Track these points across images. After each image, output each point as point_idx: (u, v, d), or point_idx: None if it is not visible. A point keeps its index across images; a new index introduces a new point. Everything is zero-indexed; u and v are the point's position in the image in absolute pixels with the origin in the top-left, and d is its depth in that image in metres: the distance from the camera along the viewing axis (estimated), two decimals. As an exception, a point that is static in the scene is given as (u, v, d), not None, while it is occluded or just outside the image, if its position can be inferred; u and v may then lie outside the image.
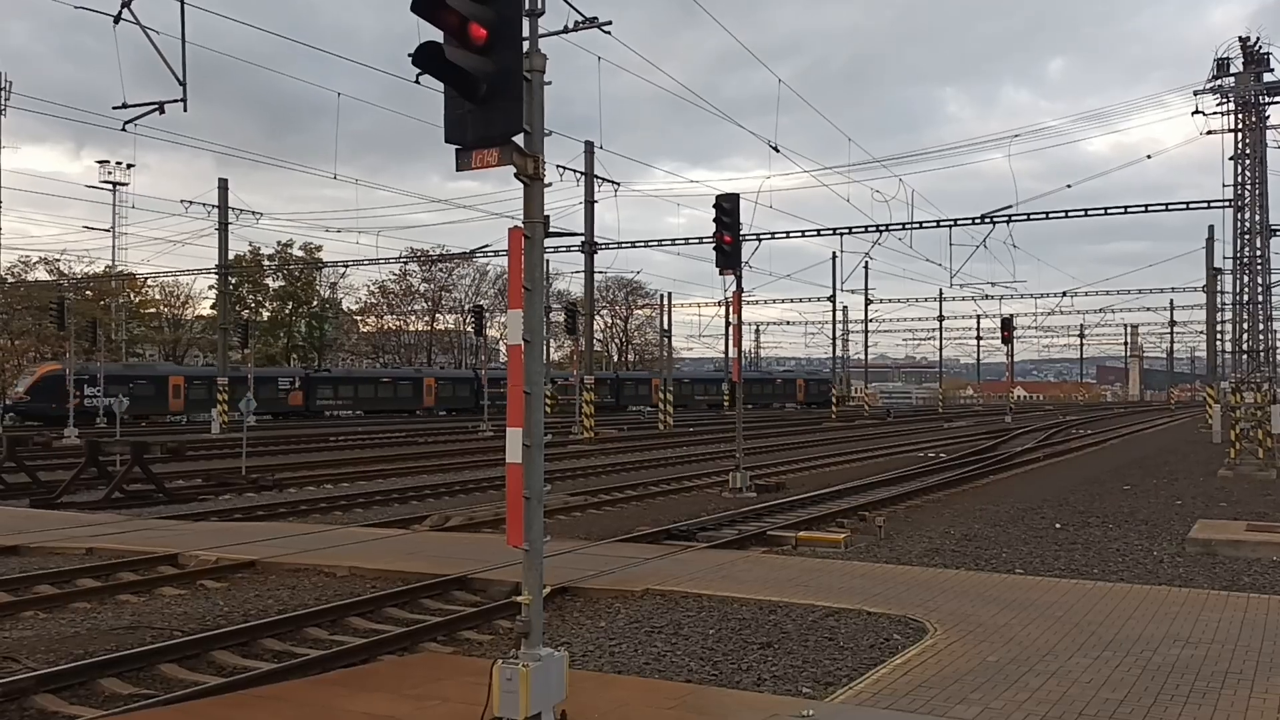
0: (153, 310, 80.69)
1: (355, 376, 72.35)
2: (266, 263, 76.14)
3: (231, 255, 57.01)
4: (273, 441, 38.48)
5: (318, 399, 66.17)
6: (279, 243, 75.86)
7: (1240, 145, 28.42)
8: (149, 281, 76.67)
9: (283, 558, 13.15)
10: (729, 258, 21.87)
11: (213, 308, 67.99)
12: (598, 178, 43.56)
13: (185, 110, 20.19)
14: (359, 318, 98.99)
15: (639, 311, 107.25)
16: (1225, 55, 28.23)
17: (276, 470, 26.75)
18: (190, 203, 48.17)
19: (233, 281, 66.01)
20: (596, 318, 73.83)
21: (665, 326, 60.50)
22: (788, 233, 44.83)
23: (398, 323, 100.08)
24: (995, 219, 38.24)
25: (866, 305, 77.02)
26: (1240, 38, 28.23)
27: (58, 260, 71.38)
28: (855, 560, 13.50)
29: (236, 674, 8.47)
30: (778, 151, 30.78)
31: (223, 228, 50.66)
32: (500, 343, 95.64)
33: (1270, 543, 14.19)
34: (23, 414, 54.66)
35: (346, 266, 68.44)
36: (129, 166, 71.04)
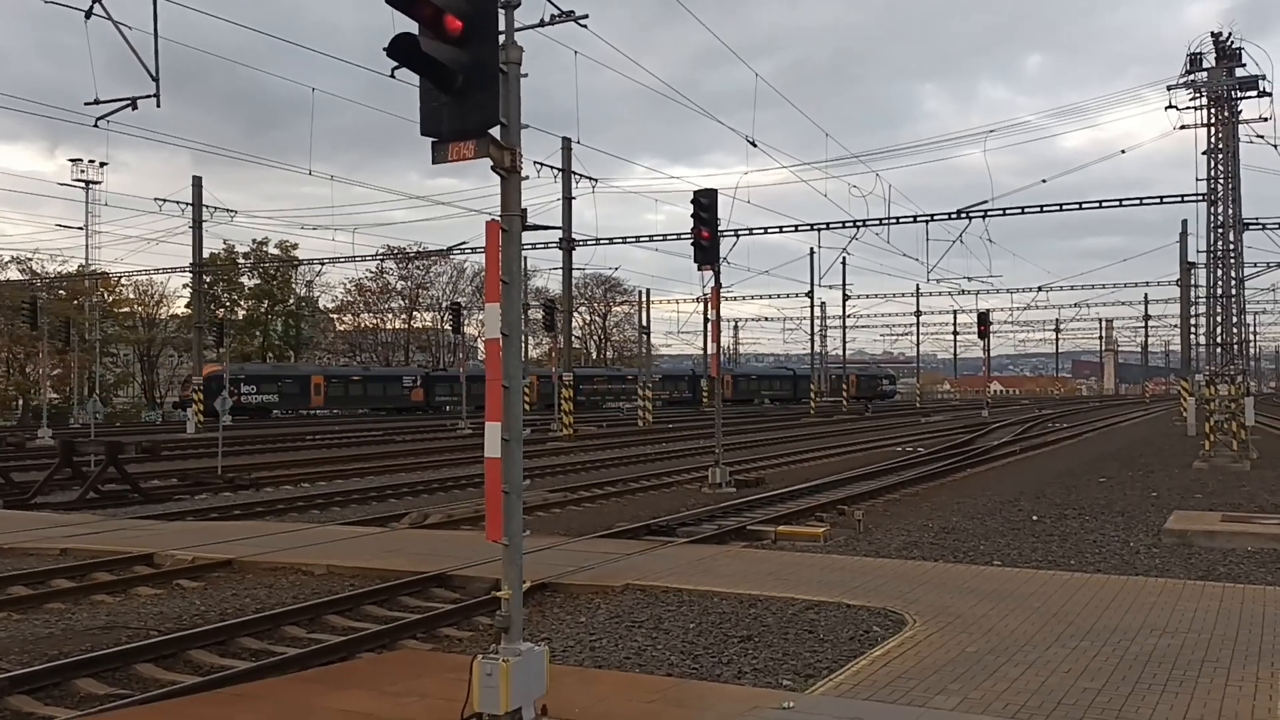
0: (126, 309, 79.93)
1: (469, 375, 76.43)
2: (242, 261, 75.58)
3: (206, 253, 56.65)
4: (249, 441, 38.23)
5: (436, 395, 71.56)
6: (254, 240, 75.34)
7: (1213, 140, 28.63)
8: (123, 280, 75.97)
9: (260, 557, 13.06)
10: (707, 253, 21.87)
11: (187, 306, 67.46)
12: (575, 174, 43.49)
13: (159, 106, 20.00)
14: (335, 316, 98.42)
15: (617, 308, 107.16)
16: (1198, 50, 28.42)
17: (253, 470, 26.59)
18: (164, 200, 47.81)
19: (208, 280, 65.48)
20: (575, 314, 73.78)
21: (644, 323, 60.47)
22: (766, 228, 44.97)
23: (375, 321, 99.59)
24: (972, 214, 38.45)
25: (844, 301, 77.27)
26: (1213, 33, 28.42)
27: (30, 259, 70.67)
28: (834, 554, 13.53)
29: (214, 673, 8.40)
30: (755, 147, 30.80)
31: (197, 225, 50.31)
32: (478, 339, 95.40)
33: (1245, 533, 14.33)
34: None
35: (323, 264, 68.31)
36: (102, 165, 70.35)
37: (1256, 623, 9.22)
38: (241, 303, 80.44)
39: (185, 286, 66.06)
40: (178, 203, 48.50)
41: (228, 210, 51.11)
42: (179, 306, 78.48)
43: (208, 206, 50.10)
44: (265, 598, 11.31)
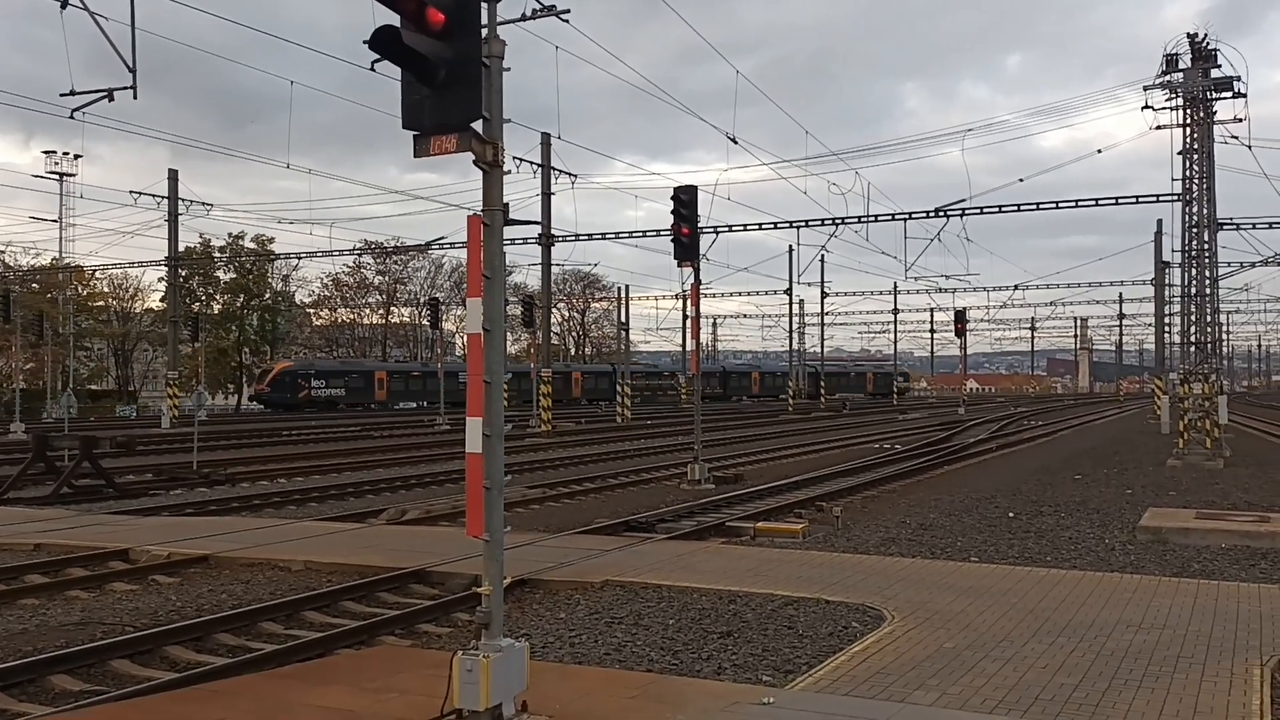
0: (101, 303, 79.20)
1: (518, 371, 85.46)
2: (217, 255, 75.00)
3: (182, 247, 56.23)
4: (224, 436, 37.98)
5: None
6: (230, 234, 74.74)
7: (1189, 140, 28.88)
8: (97, 274, 75.29)
9: (236, 552, 12.98)
10: (687, 250, 21.89)
11: (162, 300, 66.91)
12: (555, 169, 43.40)
13: (135, 98, 19.86)
14: (312, 311, 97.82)
15: (596, 305, 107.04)
16: (1174, 51, 28.66)
17: (229, 465, 26.42)
18: (139, 194, 47.36)
19: (183, 274, 65.01)
20: (554, 310, 73.87)
21: (623, 319, 60.45)
22: (745, 226, 44.98)
23: (352, 316, 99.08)
24: (949, 213, 38.64)
25: (823, 298, 77.37)
26: (1189, 34, 28.67)
27: (3, 252, 69.92)
28: (813, 550, 13.57)
29: (190, 669, 8.35)
30: (736, 144, 30.85)
31: (173, 219, 49.89)
32: (456, 335, 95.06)
33: (1219, 530, 14.46)
34: (265, 403, 66.63)
35: (299, 259, 67.86)
36: (76, 157, 69.77)
37: (1230, 619, 9.31)
38: (217, 297, 79.82)
39: (160, 280, 65.58)
40: (153, 196, 48.08)
41: (204, 204, 50.70)
42: (154, 301, 77.95)
43: (183, 200, 49.68)
44: (242, 593, 11.24)
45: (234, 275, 79.21)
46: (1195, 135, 28.76)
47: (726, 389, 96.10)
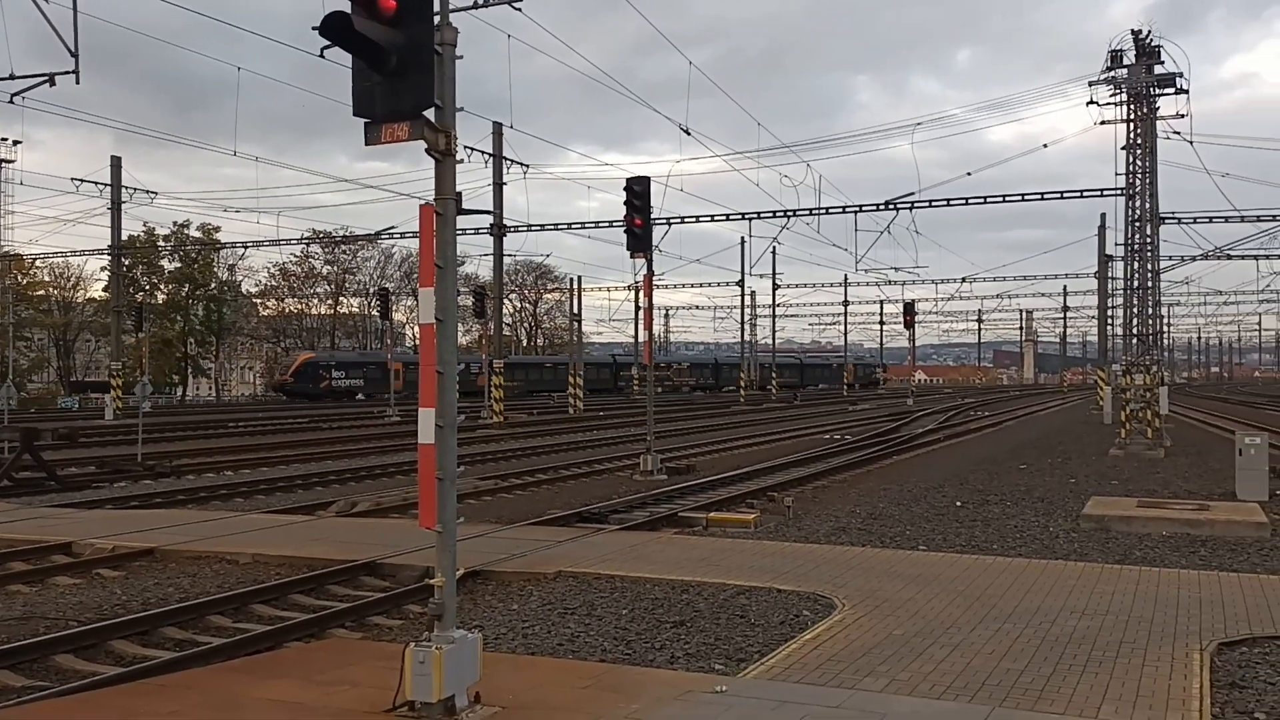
0: (41, 293, 77.56)
1: (527, 363, 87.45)
2: (162, 244, 73.69)
3: (126, 235, 55.19)
4: (170, 428, 37.39)
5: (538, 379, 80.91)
6: (175, 223, 73.49)
7: (1132, 136, 29.38)
8: (37, 262, 73.69)
9: (183, 545, 12.80)
10: (639, 241, 21.90)
11: (105, 290, 65.68)
12: (507, 159, 43.18)
13: (78, 82, 19.45)
14: (259, 300, 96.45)
15: (549, 295, 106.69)
16: (1119, 48, 29.13)
17: (175, 457, 26.00)
18: (82, 181, 46.37)
19: (127, 263, 63.84)
20: (505, 301, 73.69)
21: (575, 310, 60.34)
22: (698, 217, 45.10)
23: (299, 306, 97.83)
24: (899, 205, 39.00)
25: (774, 289, 77.72)
26: (1133, 31, 29.13)
27: (-62, 241, 68.14)
28: (765, 540, 13.67)
29: (136, 664, 8.22)
30: (689, 135, 30.87)
31: (116, 207, 48.95)
32: (407, 326, 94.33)
33: (1160, 518, 14.76)
34: (288, 394, 67.51)
35: (246, 248, 66.84)
36: (16, 143, 68.08)
37: (1171, 604, 9.52)
38: (162, 286, 78.47)
39: (103, 269, 64.36)
40: (96, 183, 47.12)
41: (148, 191, 49.78)
42: (96, 290, 76.50)
43: (127, 188, 48.75)
44: (189, 587, 11.09)
45: (179, 264, 77.96)
46: (1138, 131, 29.27)
47: (719, 380, 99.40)
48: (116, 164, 48.49)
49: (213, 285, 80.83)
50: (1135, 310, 30.19)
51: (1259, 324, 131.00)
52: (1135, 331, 30.15)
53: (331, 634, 9.29)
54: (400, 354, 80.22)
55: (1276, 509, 16.18)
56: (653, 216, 23.44)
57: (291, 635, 9.10)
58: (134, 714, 6.61)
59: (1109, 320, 49.43)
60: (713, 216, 45.15)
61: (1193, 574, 11.15)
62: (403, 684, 6.30)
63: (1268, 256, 44.19)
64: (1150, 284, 30.10)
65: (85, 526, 14.28)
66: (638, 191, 21.69)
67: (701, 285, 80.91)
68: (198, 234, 73.22)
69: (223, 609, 9.99)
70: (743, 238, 70.35)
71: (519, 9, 25.44)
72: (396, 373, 73.19)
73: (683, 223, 44.72)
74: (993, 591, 10.07)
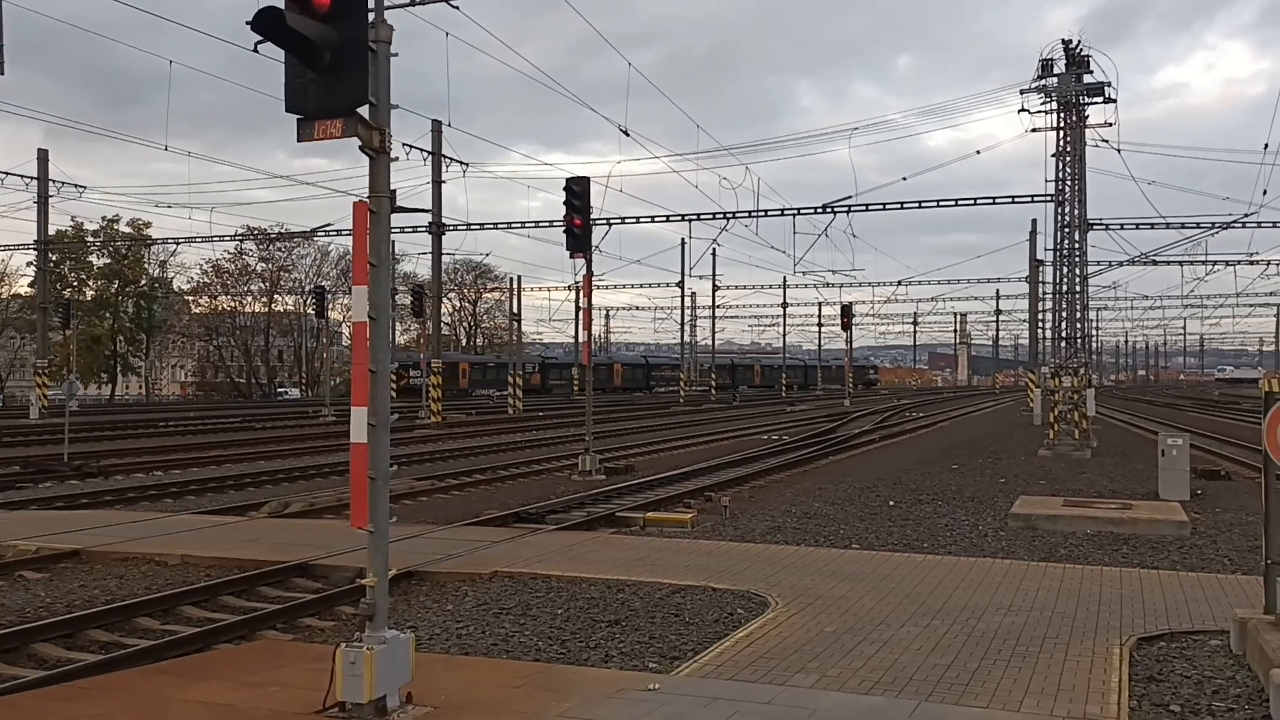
0: (-37, 288, 75.40)
1: (558, 363, 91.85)
2: (90, 239, 72.00)
3: (53, 230, 53.88)
4: (99, 427, 36.56)
5: (550, 380, 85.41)
6: (105, 218, 71.79)
7: (1062, 143, 30.05)
8: (-41, 257, 71.55)
9: (109, 546, 12.55)
10: (579, 241, 21.90)
11: (31, 286, 64.00)
12: (446, 157, 42.91)
13: (2, 73, 18.89)
14: (191, 298, 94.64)
15: (488, 295, 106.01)
16: (1049, 57, 29.79)
17: (102, 456, 25.44)
18: (6, 174, 45.13)
19: (53, 258, 62.30)
20: (445, 300, 73.23)
21: (515, 310, 60.10)
22: (638, 218, 45.17)
23: (233, 304, 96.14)
24: (836, 209, 39.42)
25: (714, 291, 78.13)
26: (1063, 40, 29.82)
27: None
28: (701, 539, 13.77)
29: (60, 666, 8.05)
30: (628, 136, 30.88)
31: (42, 201, 47.72)
32: (343, 324, 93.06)
33: (1084, 517, 15.12)
34: None
35: (178, 244, 65.47)
36: (-64, 134, 66.13)
37: (1094, 601, 9.77)
38: (90, 283, 76.67)
39: (29, 265, 62.62)
40: (21, 176, 45.88)
41: (76, 186, 48.59)
42: (22, 286, 74.46)
43: (54, 181, 47.52)
44: (116, 589, 10.89)
45: (108, 260, 76.23)
46: (1068, 138, 29.94)
47: (734, 380, 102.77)
48: (43, 157, 47.29)
49: (143, 282, 79.18)
50: (1064, 314, 30.86)
51: (1184, 328, 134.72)
52: (1064, 335, 30.82)
53: (262, 636, 9.18)
54: (465, 355, 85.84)
55: (1197, 508, 16.68)
56: (593, 217, 23.47)
57: (222, 637, 8.98)
58: (56, 717, 6.48)
59: (1040, 323, 50.43)
60: (653, 218, 45.30)
61: (1115, 571, 11.44)
62: (334, 685, 6.26)
63: (1192, 263, 45.38)
64: (1078, 288, 30.79)
65: (8, 528, 13.92)
66: (577, 192, 21.71)
67: (642, 286, 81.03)
68: (128, 229, 71.64)
69: (151, 611, 9.82)
70: (683, 239, 70.74)
71: (456, 7, 25.17)
72: (463, 372, 75.04)
73: (623, 223, 44.82)
74: (922, 589, 10.25)
